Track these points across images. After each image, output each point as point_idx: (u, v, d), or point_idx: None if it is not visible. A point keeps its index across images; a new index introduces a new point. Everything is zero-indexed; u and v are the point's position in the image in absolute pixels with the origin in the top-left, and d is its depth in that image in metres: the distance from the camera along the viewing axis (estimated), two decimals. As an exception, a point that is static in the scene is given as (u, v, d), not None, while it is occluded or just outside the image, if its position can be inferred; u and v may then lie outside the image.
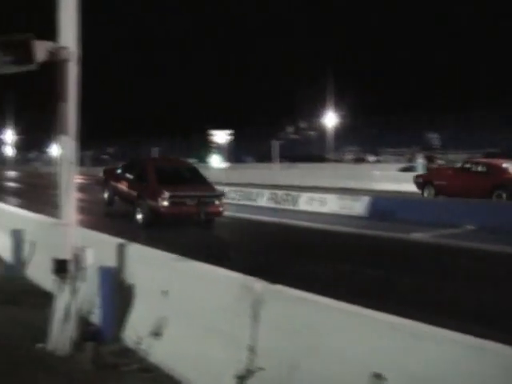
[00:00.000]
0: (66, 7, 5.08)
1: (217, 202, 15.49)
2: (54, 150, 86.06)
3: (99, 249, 5.73)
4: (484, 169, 23.03)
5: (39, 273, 7.97)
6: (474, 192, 21.57)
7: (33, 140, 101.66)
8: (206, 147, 36.82)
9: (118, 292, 5.80)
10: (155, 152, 54.31)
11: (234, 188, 25.02)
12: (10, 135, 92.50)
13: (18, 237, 9.04)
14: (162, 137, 61.50)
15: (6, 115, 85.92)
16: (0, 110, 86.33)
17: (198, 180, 16.55)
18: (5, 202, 17.49)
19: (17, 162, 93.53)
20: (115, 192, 17.68)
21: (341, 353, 3.58)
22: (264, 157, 54.03)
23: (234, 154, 47.54)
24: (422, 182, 24.60)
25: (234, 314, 4.43)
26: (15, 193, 32.15)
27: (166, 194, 14.49)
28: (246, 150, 55.52)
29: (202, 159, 49.66)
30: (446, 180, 23.70)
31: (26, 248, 8.85)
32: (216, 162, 30.48)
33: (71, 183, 5.26)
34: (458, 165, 25.79)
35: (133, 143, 68.57)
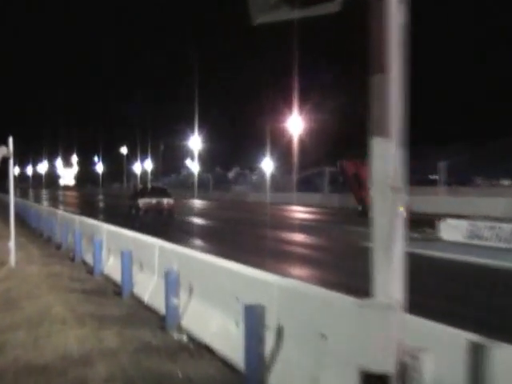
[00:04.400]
0: None
1: (171, 202, 29.92)
2: (266, 165, 54.91)
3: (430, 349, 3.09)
4: (360, 183, 26.27)
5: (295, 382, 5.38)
6: (356, 199, 27.45)
7: (232, 152, 67.34)
8: None
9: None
10: (443, 167, 36.13)
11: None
12: (196, 142, 60.89)
13: (251, 319, 5.52)
14: (448, 147, 48.15)
15: (191, 120, 58.47)
16: (187, 112, 62.83)
17: (162, 192, 31.47)
18: (196, 248, 13.03)
19: (205, 185, 60.06)
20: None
21: None
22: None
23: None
24: (342, 182, 33.68)
25: None
26: (207, 233, 22.88)
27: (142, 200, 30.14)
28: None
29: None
30: (350, 184, 28.84)
31: (270, 339, 5.60)
32: None
33: (396, 226, 2.77)
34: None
35: (419, 155, 53.48)
